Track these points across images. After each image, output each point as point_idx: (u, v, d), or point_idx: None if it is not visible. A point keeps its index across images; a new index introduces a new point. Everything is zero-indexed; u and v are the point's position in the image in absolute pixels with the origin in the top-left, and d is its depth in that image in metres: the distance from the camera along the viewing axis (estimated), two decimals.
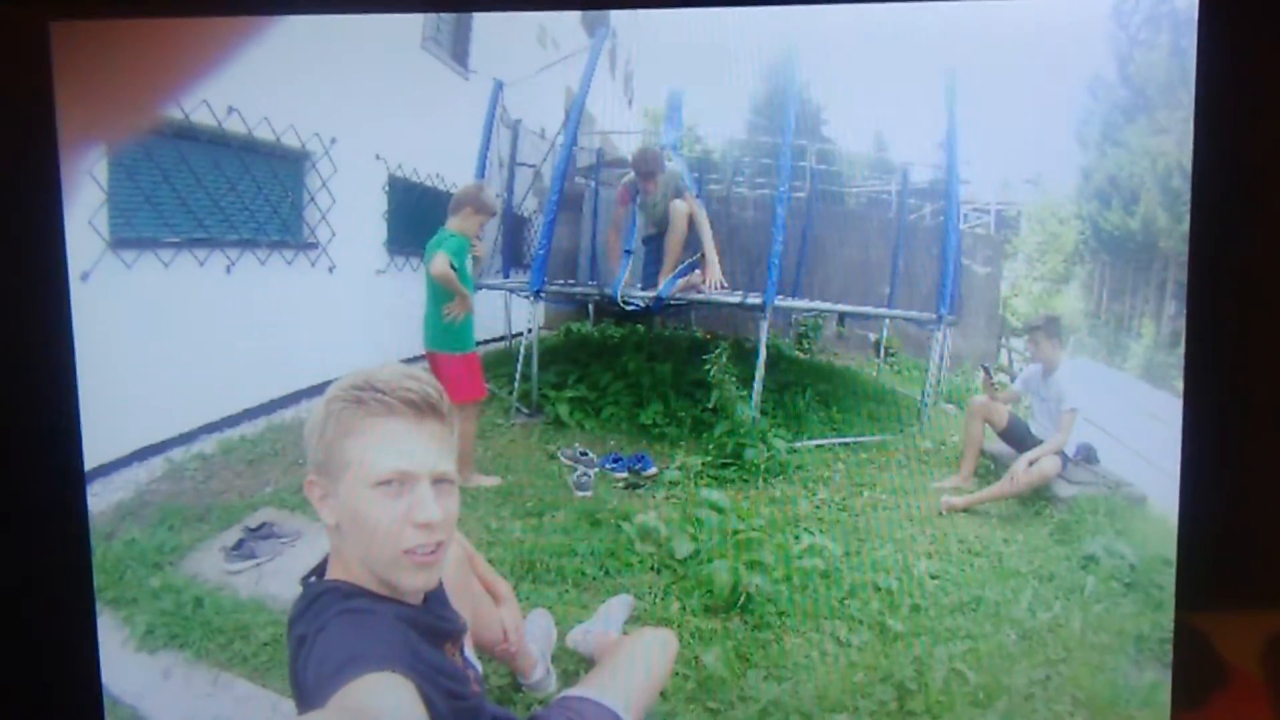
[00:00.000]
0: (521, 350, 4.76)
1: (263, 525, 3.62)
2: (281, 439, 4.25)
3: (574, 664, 3.03)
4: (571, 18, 4.92)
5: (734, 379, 4.37)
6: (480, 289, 4.61)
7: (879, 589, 3.48)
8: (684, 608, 3.33)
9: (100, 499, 3.56)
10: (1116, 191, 4.34)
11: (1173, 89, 3.55)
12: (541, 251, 4.64)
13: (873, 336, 6.06)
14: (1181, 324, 2.76)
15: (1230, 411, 2.71)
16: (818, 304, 5.30)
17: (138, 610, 3.19)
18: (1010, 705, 2.97)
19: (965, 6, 3.13)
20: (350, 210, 4.65)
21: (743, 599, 3.31)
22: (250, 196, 4.22)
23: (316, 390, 1.70)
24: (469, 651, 2.03)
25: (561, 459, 4.35)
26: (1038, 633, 3.28)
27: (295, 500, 3.79)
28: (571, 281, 5.46)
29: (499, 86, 5.16)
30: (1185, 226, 2.67)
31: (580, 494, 4.05)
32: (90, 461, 2.84)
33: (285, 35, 2.71)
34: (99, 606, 2.98)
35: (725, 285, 4.68)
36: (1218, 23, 2.60)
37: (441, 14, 5.01)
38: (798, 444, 4.50)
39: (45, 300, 2.70)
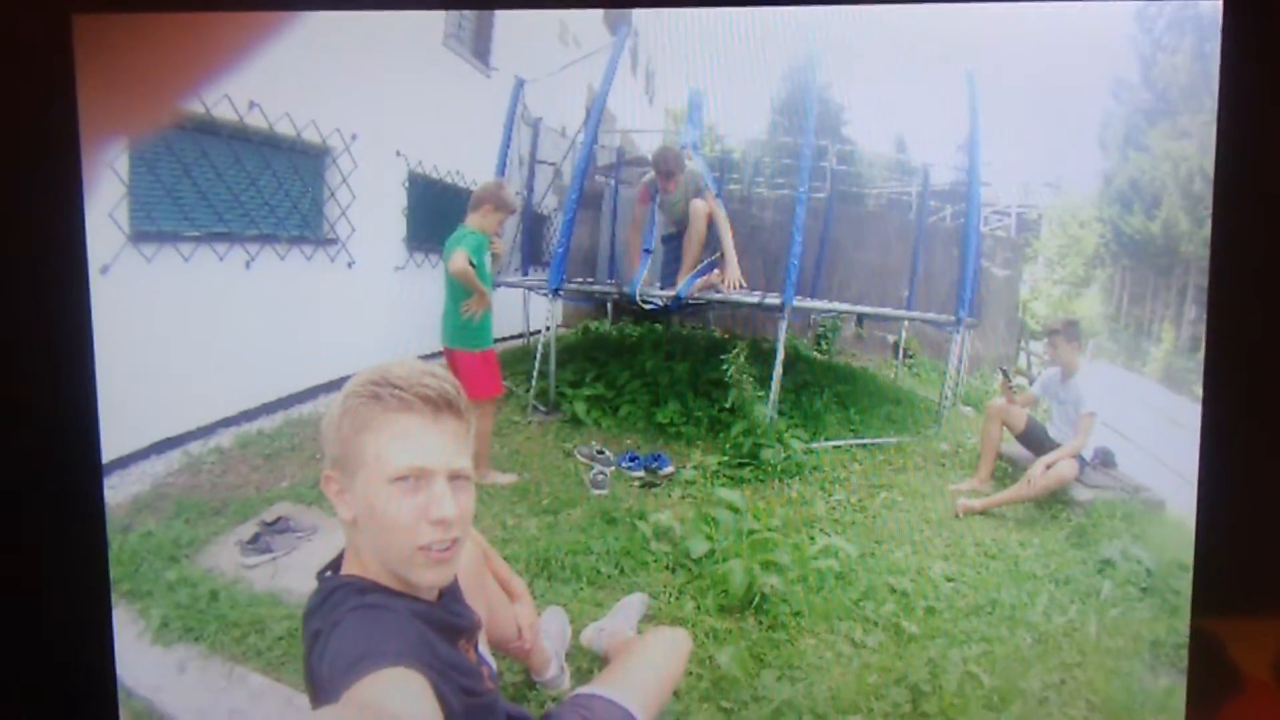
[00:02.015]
0: (539, 348, 4.77)
1: (279, 519, 3.63)
2: (299, 434, 4.26)
3: (588, 662, 3.03)
4: (593, 16, 4.93)
5: (752, 379, 4.37)
6: (499, 286, 4.62)
7: (894, 590, 3.47)
8: (699, 607, 3.33)
9: (117, 491, 3.58)
10: (1138, 195, 4.33)
11: (1195, 93, 3.54)
12: (560, 249, 4.64)
13: (891, 338, 6.06)
14: (1202, 329, 2.74)
15: (1250, 417, 2.70)
16: (836, 305, 5.30)
17: (153, 603, 3.21)
18: (1025, 709, 2.96)
19: (987, 9, 3.12)
20: (370, 206, 4.67)
21: (757, 599, 3.30)
22: (271, 192, 4.23)
23: (334, 385, 1.71)
24: (483, 648, 2.03)
25: (578, 457, 4.35)
26: (1053, 636, 3.27)
27: (312, 495, 3.81)
28: (590, 280, 5.48)
29: (520, 84, 5.18)
30: (1207, 231, 2.65)
31: (596, 492, 4.06)
32: (108, 454, 2.85)
33: (307, 31, 2.72)
34: (115, 599, 2.99)
35: (744, 285, 4.68)
36: (1242, 26, 2.58)
37: (463, 11, 5.02)
38: (815, 445, 4.50)
39: (65, 293, 2.71)
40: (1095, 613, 3.38)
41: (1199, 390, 2.72)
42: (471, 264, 3.95)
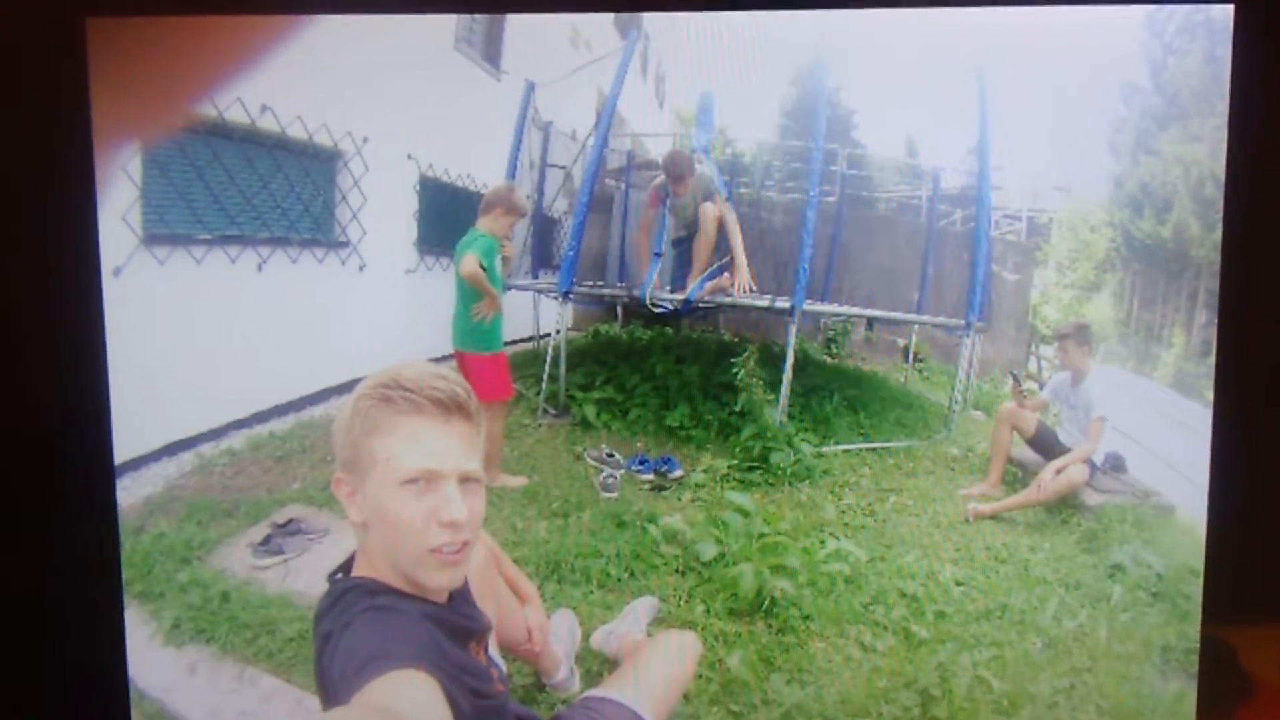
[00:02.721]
0: (549, 351, 4.77)
1: (290, 521, 3.63)
2: (310, 436, 4.27)
3: (598, 665, 3.03)
4: (604, 19, 4.93)
5: (761, 382, 4.36)
6: (509, 289, 4.63)
7: (904, 595, 3.47)
8: (708, 610, 3.33)
9: (130, 493, 3.59)
10: (1148, 199, 4.33)
11: (1206, 97, 3.53)
12: (571, 253, 4.64)
13: (901, 342, 6.07)
14: (1212, 333, 2.74)
15: (1261, 422, 2.69)
16: (846, 309, 5.30)
17: (165, 604, 3.21)
18: (1034, 714, 2.96)
19: (998, 12, 3.12)
20: (381, 209, 4.68)
21: (767, 603, 3.30)
22: (282, 194, 4.24)
23: (345, 388, 1.72)
24: (493, 650, 2.03)
25: (588, 460, 4.35)
26: (1063, 641, 3.27)
27: (323, 497, 3.81)
28: (600, 283, 5.48)
29: (531, 87, 5.18)
30: (1218, 235, 2.65)
31: (606, 495, 4.06)
32: (120, 456, 2.86)
33: (319, 34, 2.72)
34: (127, 600, 3.00)
35: (754, 289, 4.67)
36: (1253, 30, 2.58)
37: (474, 15, 5.03)
38: (824, 448, 4.50)
39: (78, 295, 2.72)
40: (1105, 618, 3.37)
41: (1210, 395, 2.72)
42: (482, 267, 3.95)
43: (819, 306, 5.13)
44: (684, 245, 4.93)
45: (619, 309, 6.10)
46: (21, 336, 2.70)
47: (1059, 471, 4.07)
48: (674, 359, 5.13)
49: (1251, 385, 2.68)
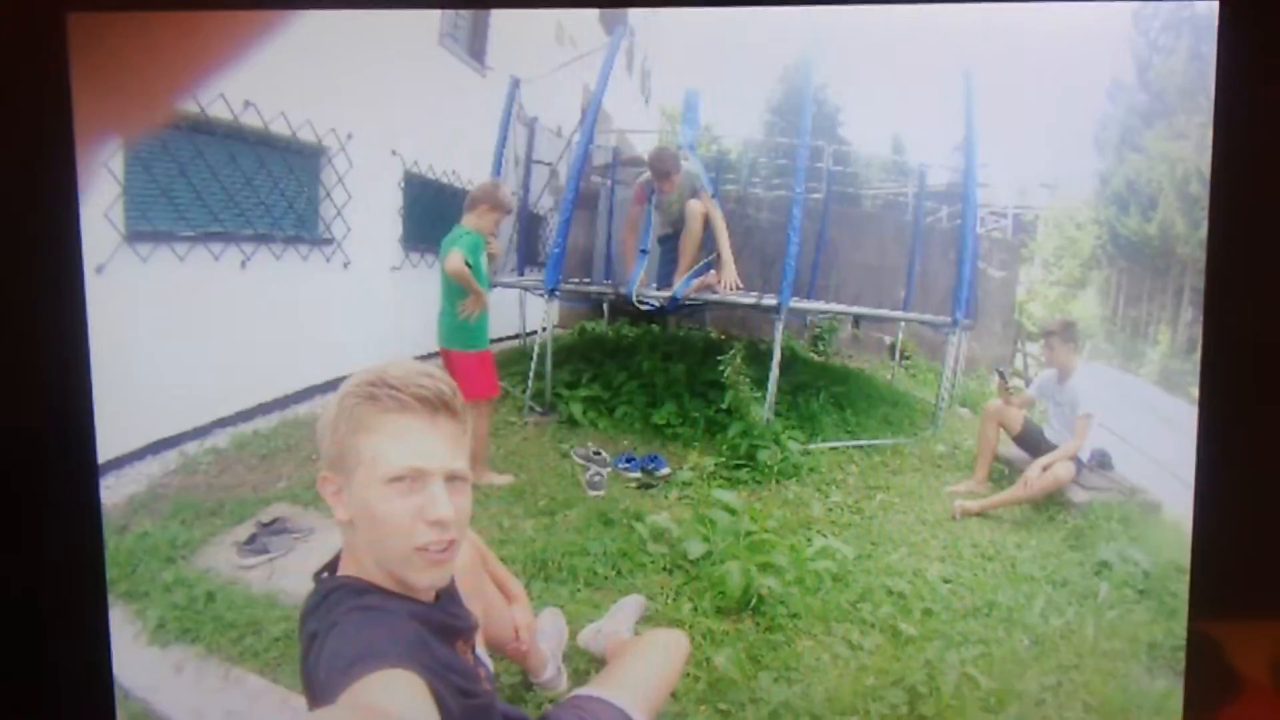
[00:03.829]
0: (535, 348, 4.76)
1: (275, 520, 3.62)
2: (295, 434, 4.25)
3: (585, 663, 3.02)
4: (590, 15, 4.93)
5: (748, 380, 4.36)
6: (495, 286, 4.61)
7: (891, 592, 3.47)
8: (696, 609, 3.32)
9: (114, 492, 3.57)
10: (1134, 197, 4.34)
11: (1192, 94, 3.53)
12: (557, 250, 4.63)
13: (888, 339, 6.07)
14: (1198, 330, 2.74)
15: (1246, 419, 2.69)
16: (833, 306, 5.30)
17: (150, 604, 3.20)
18: (1022, 711, 2.96)
19: (984, 9, 3.12)
20: (366, 206, 4.67)
21: (754, 601, 3.30)
22: (266, 191, 4.22)
23: (330, 386, 1.70)
24: (480, 649, 2.02)
25: (574, 458, 4.35)
26: (1050, 638, 3.27)
27: (308, 496, 3.80)
28: (586, 280, 5.47)
29: (516, 84, 5.17)
30: (1203, 232, 2.65)
31: (593, 493, 4.05)
32: (104, 454, 2.84)
33: (303, 30, 2.71)
34: (111, 600, 2.98)
35: (740, 286, 4.67)
36: (1238, 28, 2.58)
37: (459, 10, 5.02)
38: (811, 446, 4.50)
39: (60, 293, 2.70)
40: (1092, 615, 3.38)
41: (1195, 391, 2.72)
42: (468, 264, 3.94)
43: (805, 304, 5.13)
44: (670, 242, 4.92)
45: (605, 306, 6.10)
46: (3, 334, 2.68)
47: (1045, 468, 4.08)
48: (661, 356, 5.13)
49: (1237, 382, 2.68)
